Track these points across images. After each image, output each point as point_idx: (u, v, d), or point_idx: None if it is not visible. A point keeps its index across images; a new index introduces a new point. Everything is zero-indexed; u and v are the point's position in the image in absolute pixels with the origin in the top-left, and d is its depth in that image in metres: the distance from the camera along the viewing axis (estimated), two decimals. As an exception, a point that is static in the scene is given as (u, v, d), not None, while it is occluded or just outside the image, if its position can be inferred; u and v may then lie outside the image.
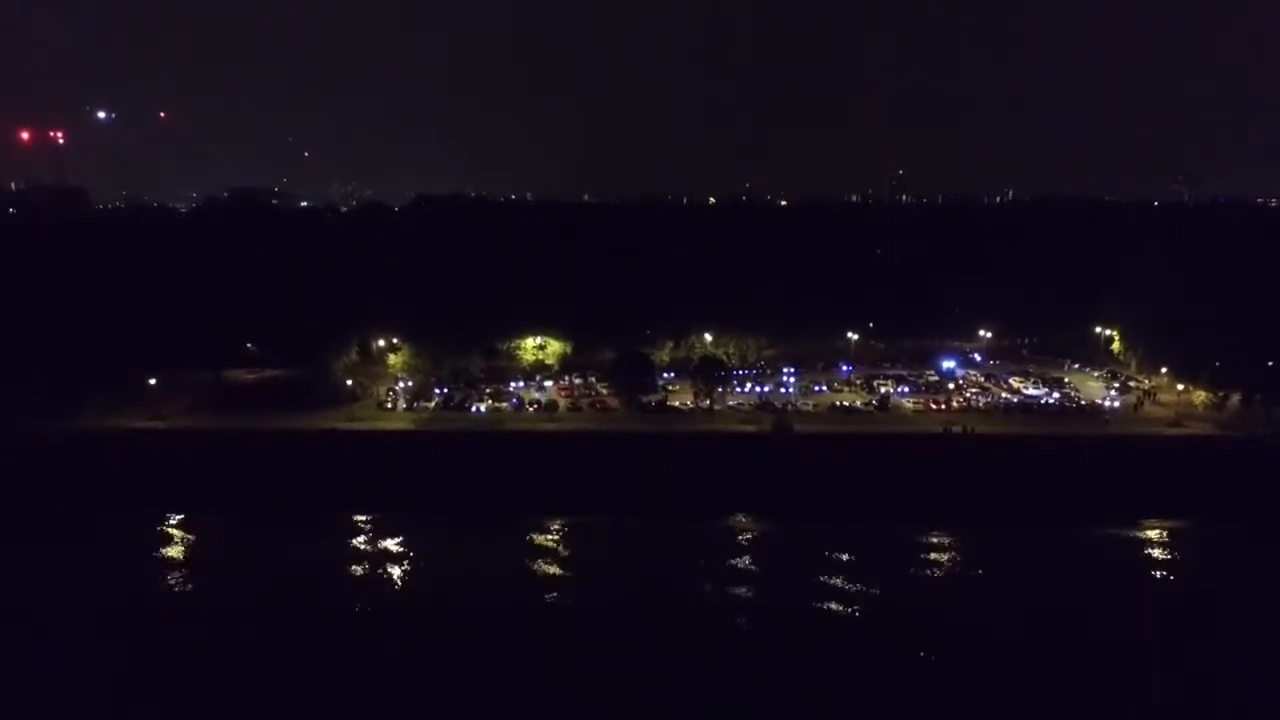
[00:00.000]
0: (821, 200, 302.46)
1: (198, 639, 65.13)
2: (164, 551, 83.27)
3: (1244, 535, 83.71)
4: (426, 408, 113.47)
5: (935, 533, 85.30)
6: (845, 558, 78.64)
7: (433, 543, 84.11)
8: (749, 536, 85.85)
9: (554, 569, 78.53)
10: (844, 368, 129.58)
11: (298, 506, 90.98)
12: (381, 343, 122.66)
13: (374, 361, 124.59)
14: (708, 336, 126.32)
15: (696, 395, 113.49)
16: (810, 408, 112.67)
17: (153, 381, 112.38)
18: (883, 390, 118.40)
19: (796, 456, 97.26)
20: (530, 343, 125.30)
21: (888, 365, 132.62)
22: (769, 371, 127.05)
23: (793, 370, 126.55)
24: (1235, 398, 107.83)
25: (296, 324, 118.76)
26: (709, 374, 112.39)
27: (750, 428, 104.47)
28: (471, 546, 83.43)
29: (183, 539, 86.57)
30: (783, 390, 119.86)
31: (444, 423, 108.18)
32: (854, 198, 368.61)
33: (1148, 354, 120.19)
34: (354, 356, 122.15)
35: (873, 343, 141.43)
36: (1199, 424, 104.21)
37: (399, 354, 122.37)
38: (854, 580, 74.37)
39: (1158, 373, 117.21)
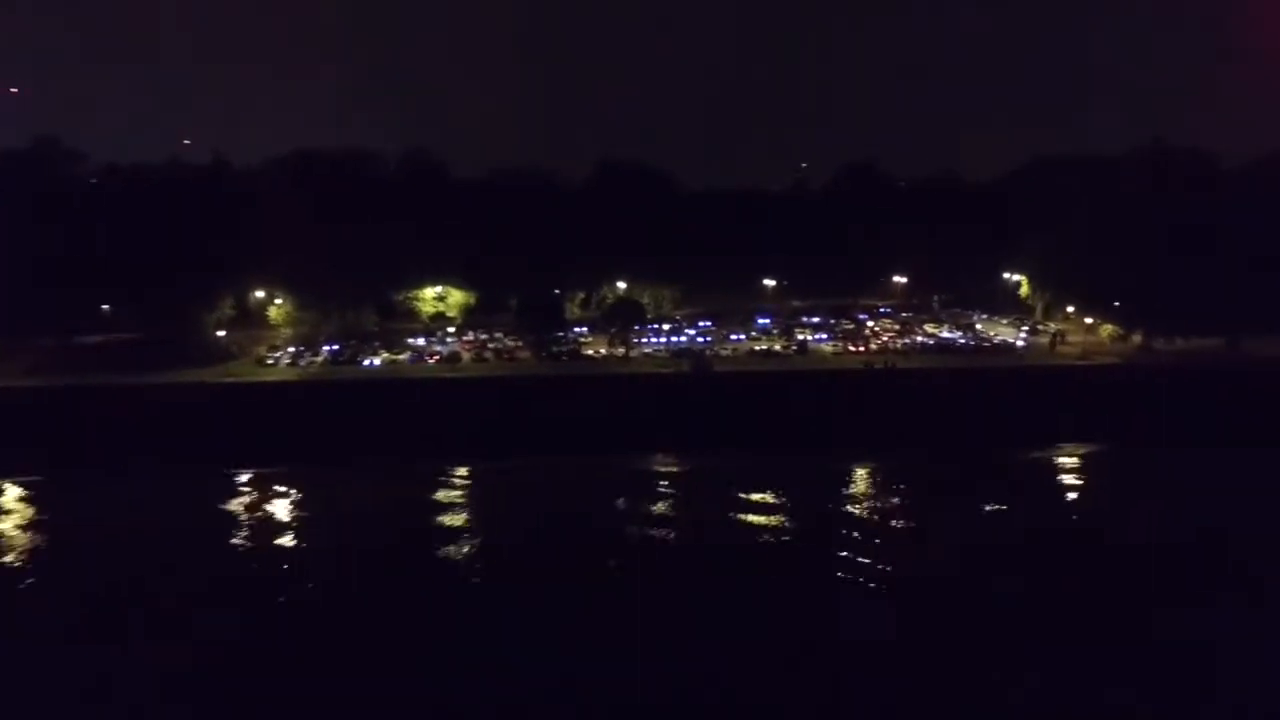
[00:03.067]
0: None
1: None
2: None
3: (1150, 455, 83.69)
4: (314, 362, 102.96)
5: (858, 463, 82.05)
6: (766, 492, 73.79)
7: (324, 494, 74.34)
8: (667, 475, 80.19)
9: (460, 515, 70.57)
10: (762, 321, 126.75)
11: (163, 462, 79.49)
12: (261, 294, 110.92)
13: (253, 318, 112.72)
14: (621, 285, 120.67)
15: (611, 343, 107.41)
16: (729, 353, 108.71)
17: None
18: (801, 336, 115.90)
19: (717, 395, 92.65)
20: (429, 293, 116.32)
21: (804, 318, 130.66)
22: (685, 325, 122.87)
23: (710, 323, 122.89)
24: (1136, 335, 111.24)
25: (160, 283, 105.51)
26: (625, 318, 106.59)
27: (668, 370, 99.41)
28: (367, 497, 74.21)
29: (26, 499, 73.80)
30: (700, 340, 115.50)
31: (333, 376, 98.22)
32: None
33: (1054, 298, 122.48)
34: (229, 312, 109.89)
35: (788, 301, 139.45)
36: (1105, 358, 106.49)
37: (280, 308, 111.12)
38: (774, 513, 69.36)
39: (1064, 316, 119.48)
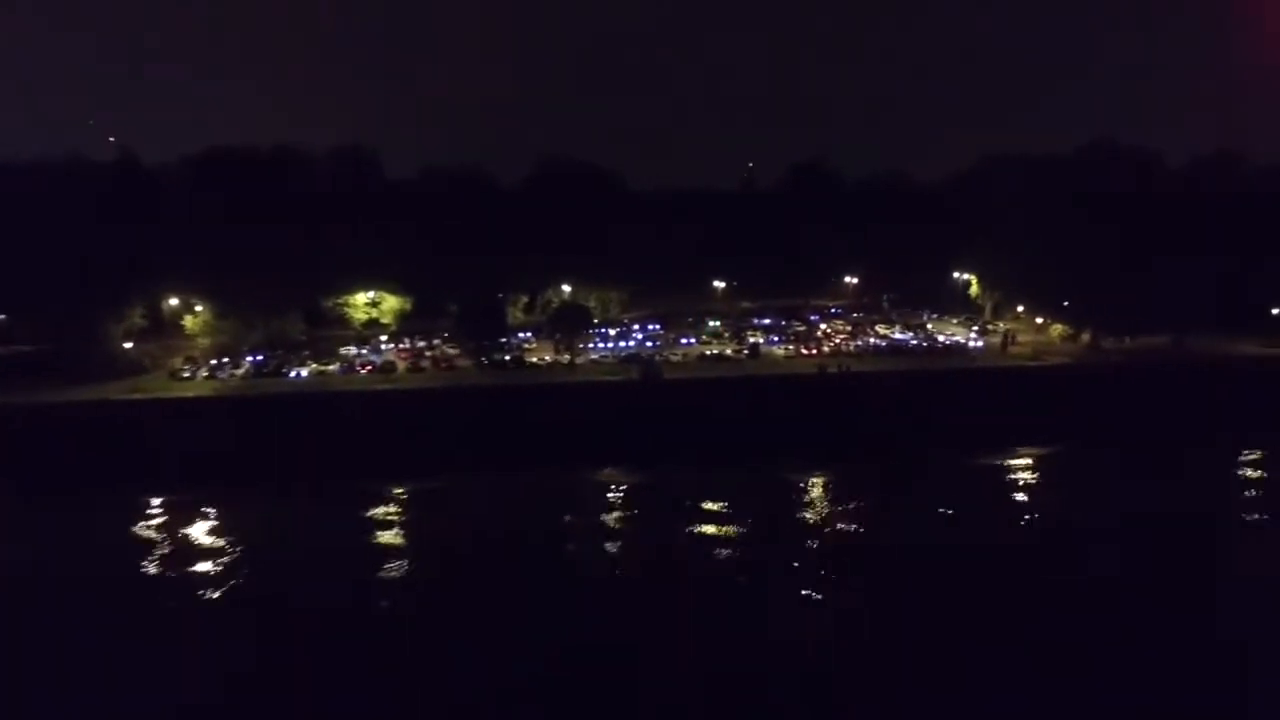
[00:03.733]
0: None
1: None
2: None
3: (1105, 457, 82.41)
4: (235, 375, 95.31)
5: (814, 472, 79.00)
6: (720, 503, 70.15)
7: (244, 521, 67.69)
8: (619, 489, 75.75)
9: (398, 539, 64.93)
10: (711, 323, 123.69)
11: (64, 488, 72.02)
12: (175, 301, 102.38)
13: (166, 328, 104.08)
14: (566, 288, 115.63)
15: (556, 349, 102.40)
16: (679, 358, 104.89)
17: None
18: (752, 339, 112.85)
19: (668, 403, 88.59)
20: (361, 299, 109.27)
21: (755, 320, 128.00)
22: (632, 329, 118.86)
23: (658, 326, 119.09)
24: (1085, 334, 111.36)
25: (60, 291, 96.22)
26: (570, 323, 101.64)
27: (616, 378, 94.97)
28: (296, 524, 67.64)
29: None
30: (648, 345, 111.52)
31: (255, 390, 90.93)
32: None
33: (1004, 297, 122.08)
34: (139, 321, 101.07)
35: (738, 303, 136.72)
36: (1056, 357, 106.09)
37: (197, 316, 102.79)
38: (728, 524, 66.09)
39: (1014, 315, 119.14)
